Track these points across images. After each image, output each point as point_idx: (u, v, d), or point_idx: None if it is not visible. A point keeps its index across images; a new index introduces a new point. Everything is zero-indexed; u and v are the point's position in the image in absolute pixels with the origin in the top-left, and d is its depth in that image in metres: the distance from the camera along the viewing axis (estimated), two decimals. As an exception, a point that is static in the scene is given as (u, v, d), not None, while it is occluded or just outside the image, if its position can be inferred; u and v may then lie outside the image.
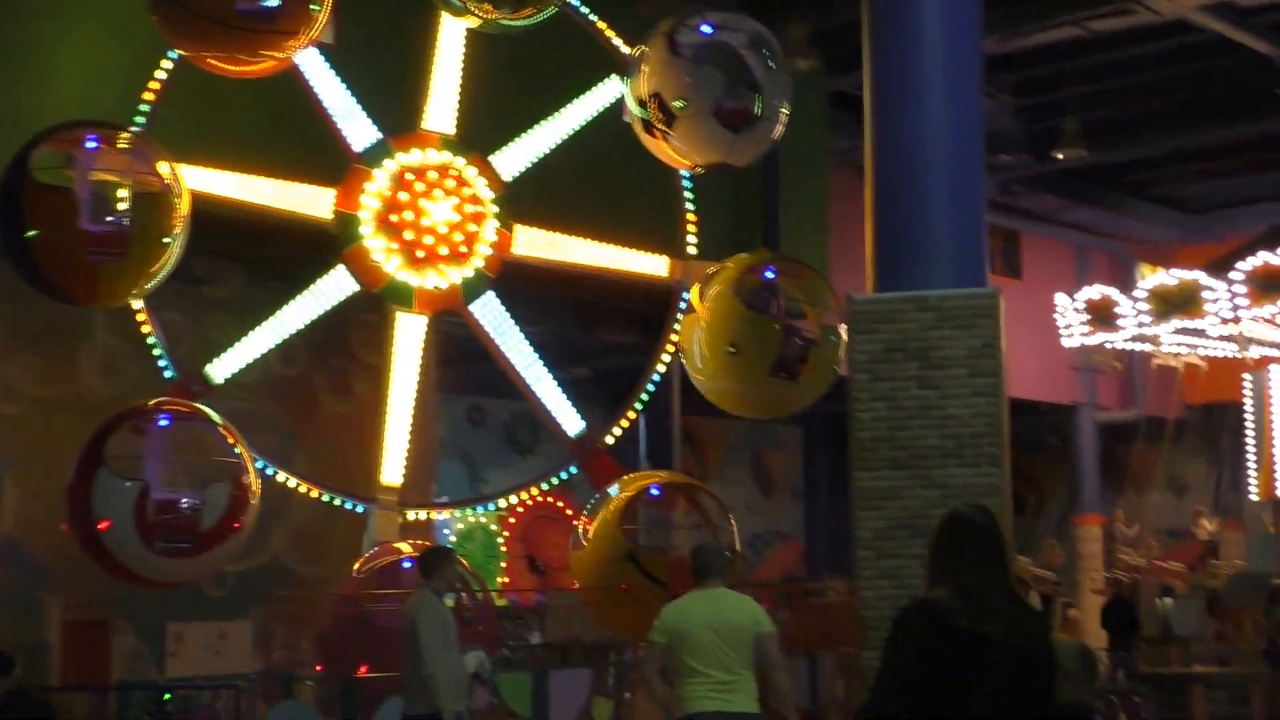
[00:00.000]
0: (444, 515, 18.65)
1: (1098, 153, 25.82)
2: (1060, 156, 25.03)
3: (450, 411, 23.78)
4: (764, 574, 28.61)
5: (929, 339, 11.16)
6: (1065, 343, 22.57)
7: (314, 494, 16.09)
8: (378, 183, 15.99)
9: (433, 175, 16.17)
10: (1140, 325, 21.26)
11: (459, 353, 19.90)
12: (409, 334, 16.41)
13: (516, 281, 17.20)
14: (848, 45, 22.15)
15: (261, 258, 17.39)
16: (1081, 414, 30.60)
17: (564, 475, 17.63)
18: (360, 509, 16.14)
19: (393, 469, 16.32)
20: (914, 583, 10.65)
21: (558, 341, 21.26)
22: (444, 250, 16.12)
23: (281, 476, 15.85)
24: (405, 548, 15.25)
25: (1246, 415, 23.96)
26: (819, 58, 21.57)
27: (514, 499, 18.17)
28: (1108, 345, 22.29)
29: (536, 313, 19.40)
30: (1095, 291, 21.82)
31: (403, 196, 16.01)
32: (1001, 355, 11.12)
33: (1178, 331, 22.01)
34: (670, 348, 17.26)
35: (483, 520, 21.20)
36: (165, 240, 13.63)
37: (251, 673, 14.01)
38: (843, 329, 15.60)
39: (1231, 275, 20.87)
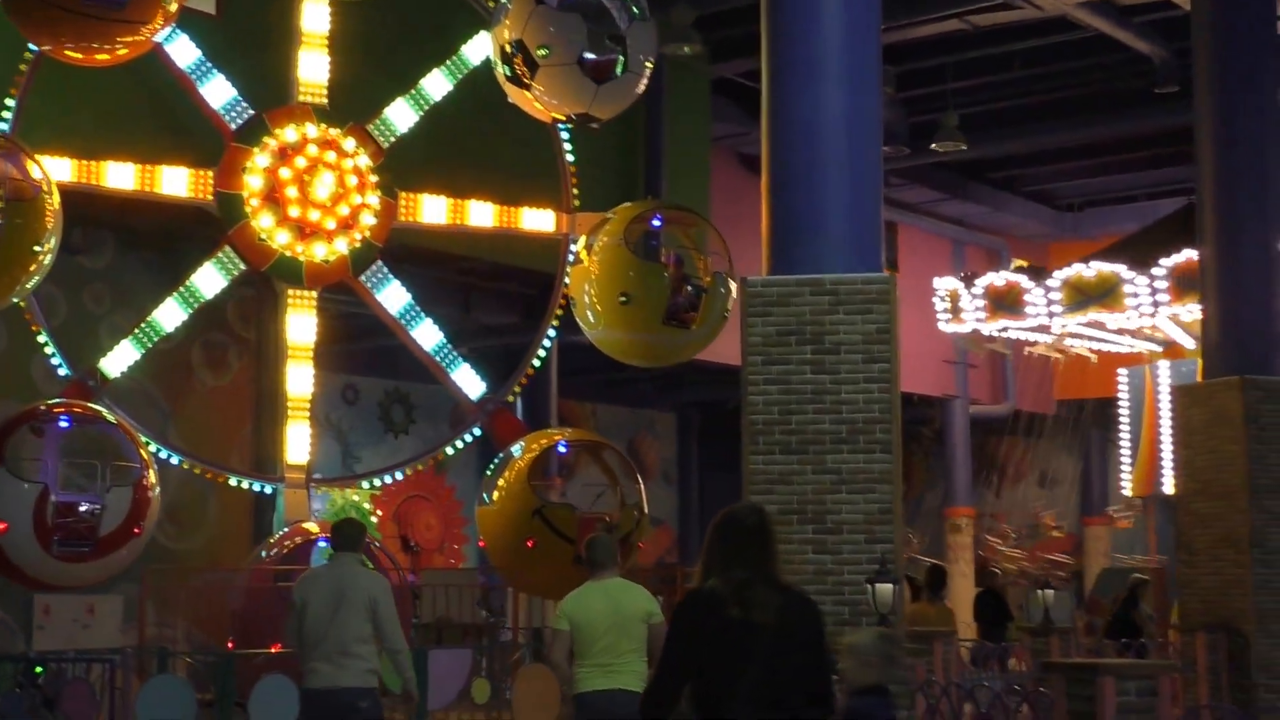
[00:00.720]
0: (318, 493, 18.50)
1: (976, 147, 26.13)
2: (939, 149, 25.30)
3: (324, 389, 23.53)
4: (637, 560, 28.67)
5: (823, 323, 11.13)
6: (943, 327, 22.77)
7: (222, 480, 16.07)
8: (259, 160, 15.85)
9: (313, 150, 16.07)
10: (1050, 315, 21.47)
11: (334, 330, 19.73)
12: (301, 310, 16.32)
13: (394, 261, 17.13)
14: (731, 31, 22.41)
15: (133, 227, 17.17)
16: (954, 407, 30.99)
17: (451, 449, 17.63)
18: (269, 489, 16.12)
19: (298, 448, 16.31)
20: (805, 567, 10.79)
21: (435, 323, 21.15)
22: (330, 223, 16.03)
23: (188, 465, 15.86)
24: (313, 527, 15.29)
25: (1121, 410, 24.30)
26: (703, 43, 21.58)
27: (387, 479, 18.06)
28: (997, 333, 22.55)
29: (414, 294, 19.30)
30: (1000, 278, 21.98)
31: (285, 173, 15.88)
32: (896, 342, 11.13)
33: (1088, 324, 22.29)
34: (562, 303, 17.18)
35: (355, 499, 20.97)
36: (36, 248, 13.30)
37: (126, 646, 13.75)
38: (733, 284, 15.92)
39: (1154, 270, 21.17)
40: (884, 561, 9.84)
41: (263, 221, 15.77)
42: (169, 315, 15.62)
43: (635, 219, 16.22)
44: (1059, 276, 21.48)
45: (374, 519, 21.18)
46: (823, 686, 6.12)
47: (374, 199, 16.35)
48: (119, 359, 15.39)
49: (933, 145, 25.12)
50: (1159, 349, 23.58)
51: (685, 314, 15.94)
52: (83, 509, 13.50)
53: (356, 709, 9.69)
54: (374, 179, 16.37)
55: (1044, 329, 22.22)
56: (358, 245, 16.27)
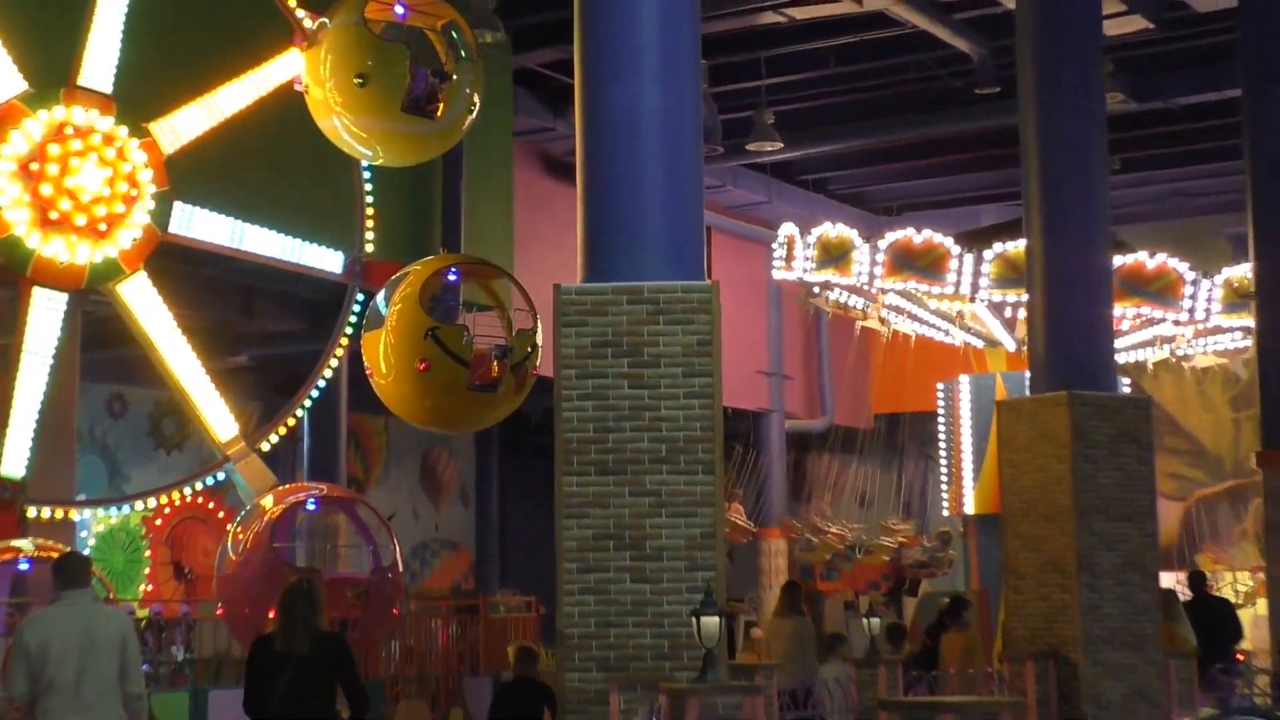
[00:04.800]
0: (82, 515, 17.97)
1: (792, 147, 26.28)
2: (754, 149, 25.39)
3: (86, 401, 22.92)
4: (432, 586, 28.33)
5: (642, 334, 11.02)
6: (775, 274, 22.99)
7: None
8: (27, 129, 15.45)
9: (95, 139, 15.68)
10: (873, 275, 21.84)
11: (99, 334, 19.13)
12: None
13: (161, 259, 16.77)
14: (535, 18, 22.27)
15: None
16: (769, 421, 31.12)
17: (218, 477, 17.26)
18: (221, 476, 16.86)
19: (221, 423, 16.75)
20: (622, 597, 10.64)
21: (215, 327, 20.71)
22: (80, 220, 15.61)
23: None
24: (268, 502, 15.98)
25: (940, 426, 24.62)
26: (506, 30, 21.49)
27: (164, 499, 17.64)
28: (819, 288, 22.79)
29: (192, 296, 18.89)
30: (835, 229, 22.25)
31: (53, 149, 15.47)
32: (718, 354, 11.04)
33: (908, 297, 22.73)
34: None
35: (125, 521, 20.54)
36: None
37: None
38: (477, 97, 16.24)
39: (879, 242, 21.70)
40: (708, 591, 9.69)
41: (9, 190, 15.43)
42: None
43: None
44: (889, 238, 21.81)
45: (144, 544, 20.71)
46: (328, 699, 9.93)
47: (140, 215, 16.03)
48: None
49: (748, 145, 25.18)
50: (979, 344, 23.93)
51: (427, 104, 15.89)
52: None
53: None
54: (149, 193, 16.04)
55: (864, 290, 22.47)
56: (99, 261, 15.88)
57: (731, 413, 28.61)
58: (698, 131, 11.88)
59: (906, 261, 21.60)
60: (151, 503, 17.43)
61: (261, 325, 21.82)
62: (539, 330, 15.76)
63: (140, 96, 16.35)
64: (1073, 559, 15.78)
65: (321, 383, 17.68)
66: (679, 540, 10.74)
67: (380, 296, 16.02)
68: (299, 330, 21.67)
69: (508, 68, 22.67)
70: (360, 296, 17.48)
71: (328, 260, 17.81)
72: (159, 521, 20.94)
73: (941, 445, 24.57)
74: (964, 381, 23.87)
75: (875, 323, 23.77)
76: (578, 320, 11.11)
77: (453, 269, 16.51)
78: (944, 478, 24.40)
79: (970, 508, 23.54)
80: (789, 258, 22.38)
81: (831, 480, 31.73)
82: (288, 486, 17.04)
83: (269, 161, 18.38)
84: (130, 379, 23.90)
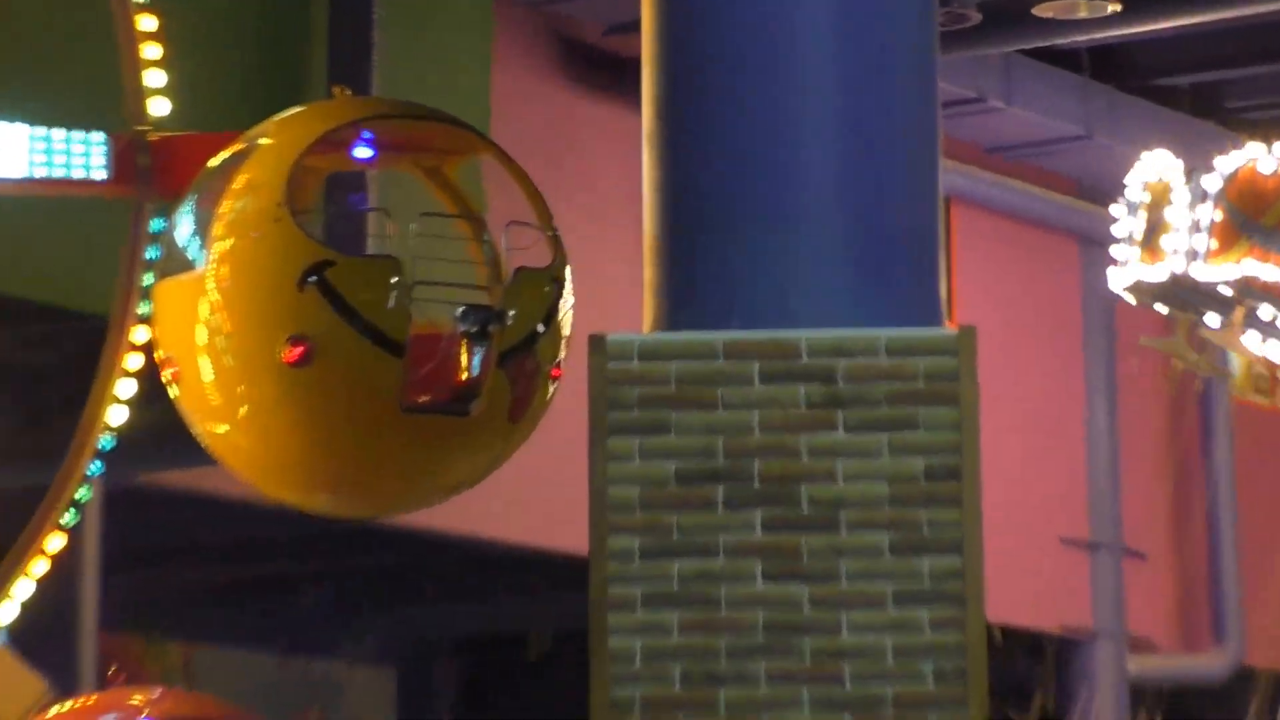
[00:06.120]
0: None
1: (1139, 15, 25.73)
2: (1053, 16, 24.93)
3: None
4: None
5: (796, 450, 10.63)
6: (1116, 279, 22.96)
7: None
8: None
9: None
10: (1193, 252, 22.00)
11: None
12: None
13: None
14: None
15: None
16: (1092, 657, 30.67)
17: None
18: None
19: None
20: None
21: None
22: None
23: None
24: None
25: None
26: None
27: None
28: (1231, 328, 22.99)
29: None
30: (1269, 158, 22.33)
31: None
32: (976, 499, 10.59)
33: None
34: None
35: None
36: None
37: None
38: None
39: None
40: None
41: None
42: None
43: None
44: (1222, 171, 22.10)
45: None
46: None
47: None
48: None
49: (1036, 8, 24.62)
50: None
51: None
52: None
53: None
54: None
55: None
56: None
57: (1002, 634, 27.91)
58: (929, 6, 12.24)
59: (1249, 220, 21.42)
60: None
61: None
62: (567, 276, 15.02)
63: None
64: None
65: (105, 444, 16.99)
66: None
67: (187, 204, 15.34)
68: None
69: None
70: (159, 224, 16.66)
71: (68, 156, 17.05)
72: None
73: None
74: None
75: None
76: (643, 417, 10.66)
77: (363, 132, 15.89)
78: None
79: None
80: (1156, 230, 21.47)
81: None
82: (85, 703, 17.04)
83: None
84: None
